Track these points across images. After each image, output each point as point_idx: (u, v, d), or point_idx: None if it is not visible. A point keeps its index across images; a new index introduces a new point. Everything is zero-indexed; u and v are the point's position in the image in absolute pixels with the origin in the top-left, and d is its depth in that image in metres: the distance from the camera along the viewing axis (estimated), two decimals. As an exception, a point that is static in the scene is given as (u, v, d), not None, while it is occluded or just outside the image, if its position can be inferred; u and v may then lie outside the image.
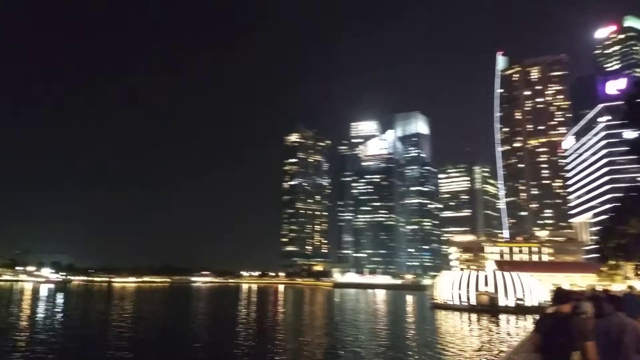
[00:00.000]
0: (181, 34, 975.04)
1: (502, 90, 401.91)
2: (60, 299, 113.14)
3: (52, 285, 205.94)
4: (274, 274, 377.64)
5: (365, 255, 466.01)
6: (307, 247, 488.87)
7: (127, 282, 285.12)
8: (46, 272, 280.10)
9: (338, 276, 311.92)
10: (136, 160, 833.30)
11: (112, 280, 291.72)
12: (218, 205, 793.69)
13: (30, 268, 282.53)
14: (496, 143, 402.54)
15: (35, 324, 57.23)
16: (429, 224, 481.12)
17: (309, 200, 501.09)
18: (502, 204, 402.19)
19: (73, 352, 38.28)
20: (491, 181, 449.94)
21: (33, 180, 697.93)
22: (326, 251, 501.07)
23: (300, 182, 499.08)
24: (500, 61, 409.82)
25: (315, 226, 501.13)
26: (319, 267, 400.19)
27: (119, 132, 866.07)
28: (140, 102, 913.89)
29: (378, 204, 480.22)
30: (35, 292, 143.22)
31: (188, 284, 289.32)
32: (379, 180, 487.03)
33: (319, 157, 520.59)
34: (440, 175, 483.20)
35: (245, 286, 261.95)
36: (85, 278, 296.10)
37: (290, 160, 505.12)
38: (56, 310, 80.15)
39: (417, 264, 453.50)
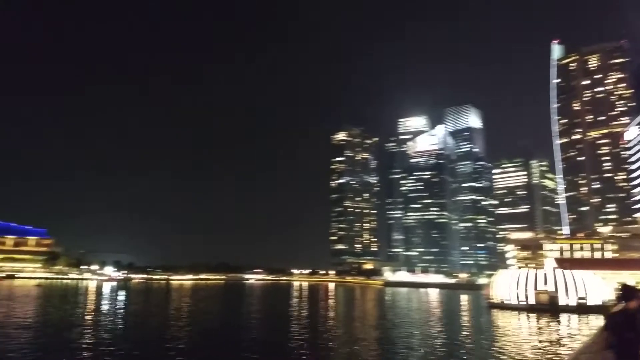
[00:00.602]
0: (224, 30, 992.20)
1: (558, 80, 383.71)
2: (122, 296, 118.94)
3: (114, 283, 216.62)
4: (324, 272, 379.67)
5: (417, 253, 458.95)
6: (356, 245, 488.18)
7: (184, 280, 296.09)
8: (108, 270, 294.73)
9: (389, 275, 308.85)
10: (194, 160, 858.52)
11: (170, 277, 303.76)
12: (269, 205, 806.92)
13: (93, 267, 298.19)
14: (554, 135, 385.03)
15: (100, 320, 60.50)
16: (484, 221, 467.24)
17: (357, 199, 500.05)
18: (561, 199, 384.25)
19: (134, 346, 40.11)
20: (549, 175, 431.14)
21: (94, 182, 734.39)
22: (376, 249, 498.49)
23: (348, 181, 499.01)
24: (556, 50, 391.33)
25: (364, 224, 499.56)
26: (368, 266, 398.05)
27: (178, 133, 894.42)
28: (185, 101, 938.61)
29: (429, 201, 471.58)
30: (99, 289, 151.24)
31: (241, 281, 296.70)
32: (429, 176, 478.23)
33: (366, 154, 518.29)
34: (494, 171, 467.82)
35: (296, 284, 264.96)
36: (144, 276, 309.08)
37: (338, 159, 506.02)
38: (118, 306, 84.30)
39: (471, 262, 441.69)
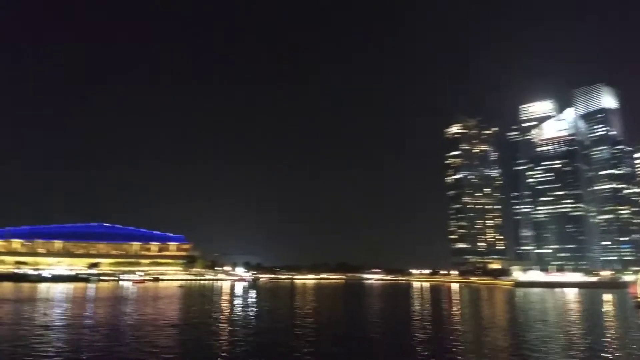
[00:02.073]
0: (339, 24, 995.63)
1: None
2: (252, 295, 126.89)
3: (245, 283, 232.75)
4: (445, 272, 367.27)
5: (550, 250, 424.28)
6: (479, 243, 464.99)
7: (307, 279, 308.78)
8: (239, 271, 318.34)
9: (519, 274, 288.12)
10: (308, 161, 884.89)
11: (294, 277, 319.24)
12: (385, 204, 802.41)
13: (226, 268, 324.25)
14: None
15: (236, 318, 64.87)
16: (627, 211, 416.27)
17: (477, 194, 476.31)
18: None
19: (268, 343, 42.04)
20: None
21: (225, 189, 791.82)
22: (502, 248, 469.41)
23: (465, 175, 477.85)
24: None
25: (487, 221, 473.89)
26: (495, 265, 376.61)
27: (295, 135, 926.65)
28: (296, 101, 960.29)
29: (561, 192, 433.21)
30: (232, 289, 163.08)
31: (360, 281, 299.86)
32: (560, 165, 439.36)
33: (485, 146, 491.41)
34: (636, 155, 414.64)
35: (416, 284, 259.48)
36: (271, 275, 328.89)
37: (453, 153, 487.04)
38: (250, 305, 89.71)
39: (614, 258, 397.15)
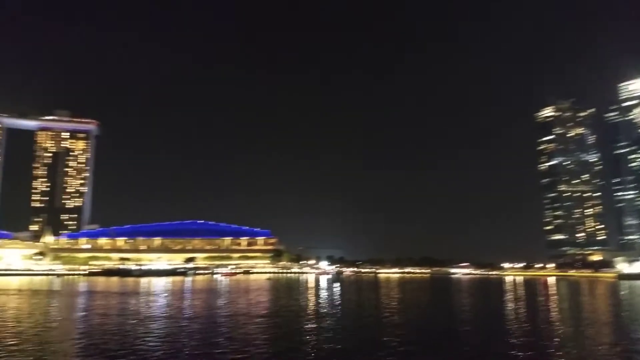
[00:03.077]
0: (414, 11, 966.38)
1: None
2: (336, 287, 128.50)
3: (329, 276, 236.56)
4: (540, 266, 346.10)
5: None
6: (578, 234, 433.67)
7: (390, 273, 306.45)
8: (323, 264, 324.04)
9: (623, 266, 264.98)
10: (389, 154, 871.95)
11: (378, 271, 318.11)
12: (474, 194, 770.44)
13: (311, 261, 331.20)
14: None
15: (322, 308, 66.12)
16: None
17: (574, 181, 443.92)
18: None
19: (353, 332, 42.39)
20: None
21: (307, 184, 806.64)
22: (604, 238, 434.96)
23: (560, 162, 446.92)
24: None
25: (586, 210, 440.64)
26: (596, 257, 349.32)
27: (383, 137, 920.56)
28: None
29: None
30: (317, 282, 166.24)
31: (447, 275, 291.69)
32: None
33: (581, 129, 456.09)
34: None
35: (508, 278, 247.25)
36: (354, 269, 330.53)
37: (546, 138, 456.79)
38: (335, 297, 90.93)
39: None
